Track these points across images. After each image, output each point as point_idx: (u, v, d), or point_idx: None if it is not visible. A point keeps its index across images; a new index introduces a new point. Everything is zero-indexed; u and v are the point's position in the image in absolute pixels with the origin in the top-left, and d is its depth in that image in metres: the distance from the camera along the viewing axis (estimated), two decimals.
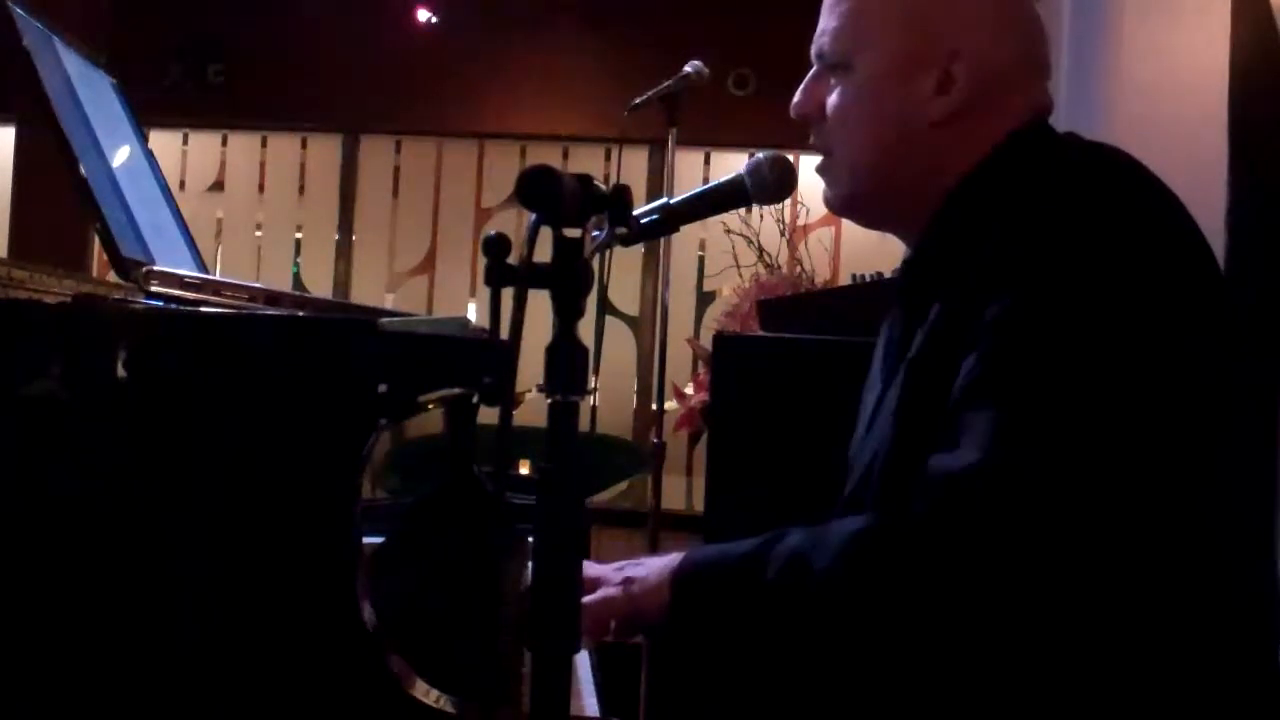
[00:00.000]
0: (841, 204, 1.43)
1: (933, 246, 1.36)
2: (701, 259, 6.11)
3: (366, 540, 1.24)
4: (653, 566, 1.34)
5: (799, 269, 4.22)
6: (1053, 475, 1.11)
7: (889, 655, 1.21)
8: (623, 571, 1.36)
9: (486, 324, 1.05)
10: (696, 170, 6.15)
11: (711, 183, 1.53)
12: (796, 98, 1.42)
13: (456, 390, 1.43)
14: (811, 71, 1.42)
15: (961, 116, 1.34)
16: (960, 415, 1.17)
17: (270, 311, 1.43)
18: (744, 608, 1.26)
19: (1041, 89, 1.40)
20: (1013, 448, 1.12)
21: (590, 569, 1.38)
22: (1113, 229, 1.19)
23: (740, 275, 4.38)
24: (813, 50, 1.42)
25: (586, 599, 1.29)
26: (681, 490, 5.24)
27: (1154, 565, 1.14)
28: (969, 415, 1.16)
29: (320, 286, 6.45)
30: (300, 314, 1.42)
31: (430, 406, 1.45)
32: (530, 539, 1.05)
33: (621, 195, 1.13)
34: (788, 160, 1.50)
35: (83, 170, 1.39)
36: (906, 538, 1.17)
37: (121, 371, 1.20)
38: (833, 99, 1.39)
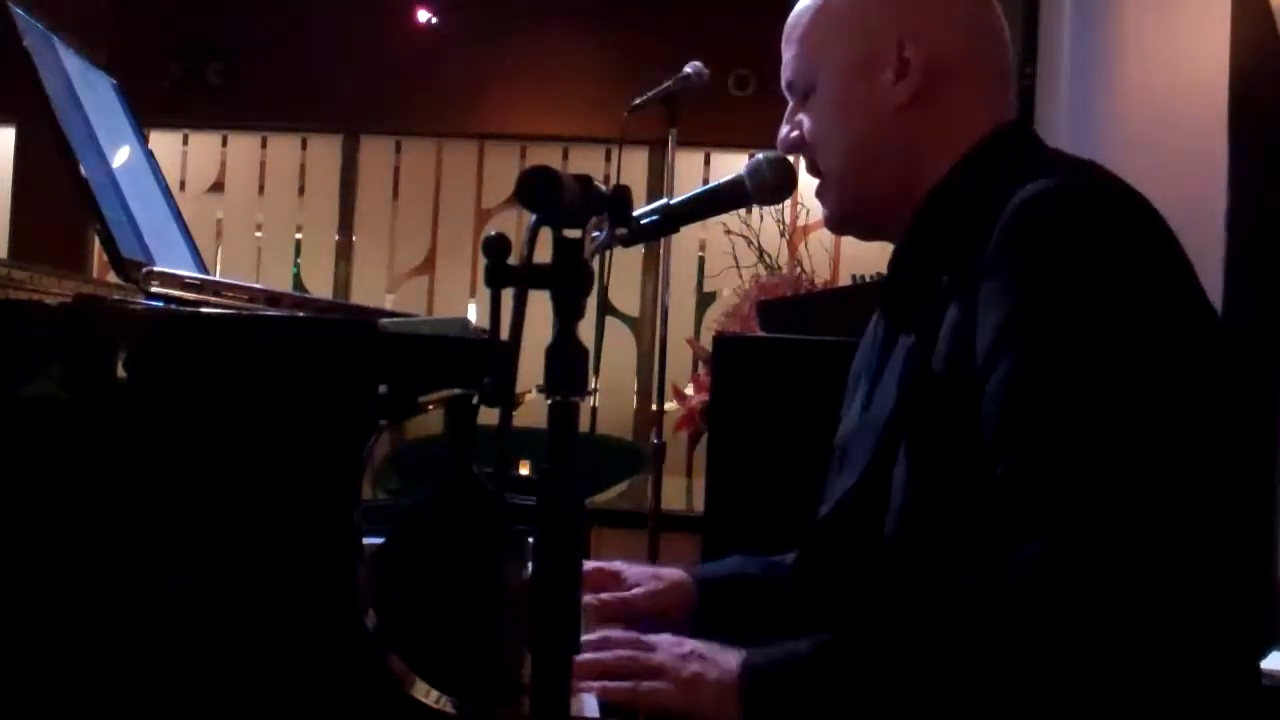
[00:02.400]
0: (837, 220, 1.47)
1: (910, 254, 1.38)
2: (701, 259, 6.11)
3: (366, 540, 1.24)
4: (714, 665, 1.26)
5: (799, 269, 4.23)
6: (1119, 540, 1.11)
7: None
8: (684, 655, 1.27)
9: (486, 324, 1.04)
10: (696, 171, 6.15)
11: (711, 183, 1.53)
12: (781, 133, 1.46)
13: (456, 391, 1.43)
14: (789, 106, 1.46)
15: (926, 99, 1.37)
16: (1006, 465, 1.16)
17: (270, 312, 1.43)
18: (835, 706, 1.21)
19: (1007, 96, 1.42)
20: (1081, 521, 1.12)
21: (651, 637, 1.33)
22: (1111, 245, 1.19)
23: (740, 276, 4.39)
24: (783, 85, 1.46)
25: (642, 684, 1.23)
26: (681, 491, 5.24)
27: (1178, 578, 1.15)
28: (1017, 469, 1.16)
29: (320, 287, 6.45)
30: (300, 314, 1.42)
31: (430, 407, 1.45)
32: (530, 539, 1.05)
33: (621, 196, 1.13)
34: (788, 161, 1.51)
35: (83, 170, 1.39)
36: (1020, 621, 1.14)
37: (121, 372, 1.20)
38: (809, 120, 1.43)
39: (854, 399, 1.47)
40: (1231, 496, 1.19)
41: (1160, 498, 1.11)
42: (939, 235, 1.33)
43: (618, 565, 1.55)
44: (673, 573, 1.57)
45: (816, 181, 1.45)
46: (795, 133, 1.45)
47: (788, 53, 1.45)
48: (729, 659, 1.25)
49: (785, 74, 1.46)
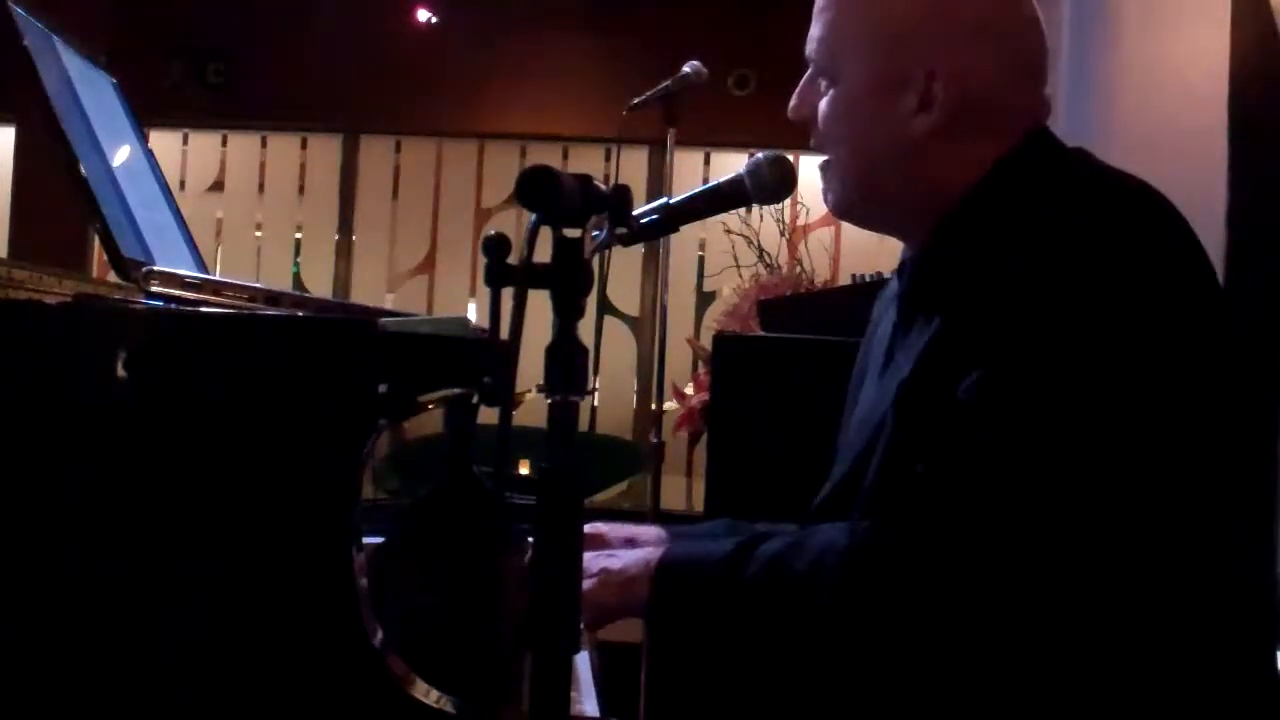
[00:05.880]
0: (837, 209, 1.45)
1: (937, 259, 1.36)
2: (701, 259, 6.11)
3: (366, 540, 1.24)
4: (629, 559, 1.35)
5: (799, 269, 4.23)
6: (1041, 503, 1.14)
7: (869, 664, 1.24)
8: (598, 561, 1.36)
9: (486, 324, 1.05)
10: (696, 170, 6.15)
11: (711, 183, 1.53)
12: (793, 101, 1.43)
13: (456, 390, 1.43)
14: (807, 73, 1.42)
15: (949, 133, 1.33)
16: (958, 434, 1.18)
17: (270, 311, 1.43)
18: (720, 608, 1.28)
19: (1039, 96, 1.38)
20: (1008, 476, 1.15)
21: None
22: (1119, 267, 1.18)
23: (740, 275, 4.39)
24: (806, 52, 1.42)
25: None
26: (681, 490, 5.24)
27: (1153, 581, 1.16)
28: (967, 436, 1.17)
29: (320, 286, 6.45)
30: (300, 314, 1.42)
31: (430, 406, 1.45)
32: (530, 539, 1.05)
33: (621, 195, 1.13)
34: (788, 160, 1.50)
35: (83, 170, 1.39)
36: (898, 556, 1.19)
37: (121, 372, 1.20)
38: (822, 107, 1.39)
39: (862, 390, 1.47)
40: (1218, 495, 1.20)
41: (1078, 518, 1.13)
42: (958, 255, 1.32)
43: (601, 529, 1.54)
44: (649, 538, 1.55)
45: (817, 182, 1.44)
46: (806, 110, 1.41)
47: (816, 27, 1.39)
48: (647, 554, 1.34)
49: (809, 44, 1.40)
